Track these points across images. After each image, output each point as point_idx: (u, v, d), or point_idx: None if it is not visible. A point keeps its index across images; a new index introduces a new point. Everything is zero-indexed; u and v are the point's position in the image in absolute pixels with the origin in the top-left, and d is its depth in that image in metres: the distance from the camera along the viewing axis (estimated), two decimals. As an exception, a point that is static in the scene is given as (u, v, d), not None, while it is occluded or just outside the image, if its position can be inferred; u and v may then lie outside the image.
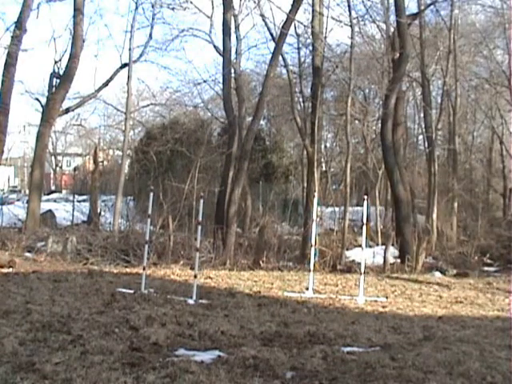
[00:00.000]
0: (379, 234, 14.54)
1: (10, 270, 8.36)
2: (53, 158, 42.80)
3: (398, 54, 12.30)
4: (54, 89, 14.82)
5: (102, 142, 32.31)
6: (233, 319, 5.21)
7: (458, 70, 16.71)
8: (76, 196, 20.23)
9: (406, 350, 4.24)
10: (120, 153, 23.38)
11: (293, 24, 13.25)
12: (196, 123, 21.39)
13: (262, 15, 14.72)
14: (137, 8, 15.61)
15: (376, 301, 6.80)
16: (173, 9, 16.34)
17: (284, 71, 17.36)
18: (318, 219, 12.90)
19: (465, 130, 21.10)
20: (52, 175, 44.46)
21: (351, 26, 13.00)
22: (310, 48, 14.81)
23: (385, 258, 11.08)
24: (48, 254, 10.42)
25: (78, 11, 14.53)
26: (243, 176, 12.47)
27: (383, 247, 11.80)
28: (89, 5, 26.91)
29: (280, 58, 13.70)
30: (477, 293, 7.79)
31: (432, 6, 15.31)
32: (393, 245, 11.95)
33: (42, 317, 4.89)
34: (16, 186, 43.61)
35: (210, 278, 8.29)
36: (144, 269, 7.07)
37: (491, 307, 6.61)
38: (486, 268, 11.71)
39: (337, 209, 17.32)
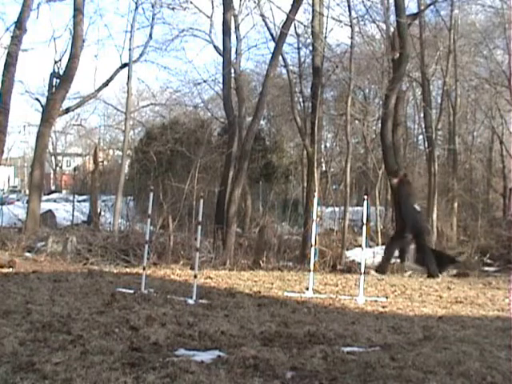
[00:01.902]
0: (379, 233, 14.55)
1: (10, 269, 8.36)
2: (53, 157, 42.81)
3: (398, 54, 12.30)
4: (54, 89, 14.82)
5: (102, 141, 32.37)
6: (233, 319, 5.21)
7: (458, 69, 16.73)
8: (76, 196, 20.23)
9: (406, 350, 4.24)
10: (120, 153, 23.41)
11: (293, 24, 13.26)
12: (196, 123, 21.40)
13: (262, 15, 14.75)
14: (137, 8, 15.64)
15: (376, 301, 6.79)
16: (173, 9, 16.36)
17: (284, 71, 17.38)
18: (318, 219, 12.91)
19: (465, 130, 21.11)
20: (52, 175, 44.46)
21: (351, 26, 13.01)
22: (310, 48, 14.82)
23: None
24: (48, 254, 10.43)
25: (78, 11, 14.53)
26: (243, 176, 12.47)
27: (383, 247, 11.80)
28: (89, 5, 26.96)
29: (280, 57, 13.71)
30: (477, 293, 7.78)
31: (432, 6, 15.33)
32: (393, 245, 11.94)
33: (42, 317, 4.88)
34: (16, 186, 43.63)
35: (210, 277, 8.28)
36: (144, 269, 7.06)
37: (491, 307, 6.60)
38: (486, 268, 11.72)
39: (337, 209, 17.34)
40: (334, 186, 21.55)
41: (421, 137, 21.45)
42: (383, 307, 6.37)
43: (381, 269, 9.78)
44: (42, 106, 15.09)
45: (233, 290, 7.16)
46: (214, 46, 16.05)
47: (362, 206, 7.95)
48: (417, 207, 10.07)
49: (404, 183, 10.25)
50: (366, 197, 8.09)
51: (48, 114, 14.53)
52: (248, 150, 12.38)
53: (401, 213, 10.02)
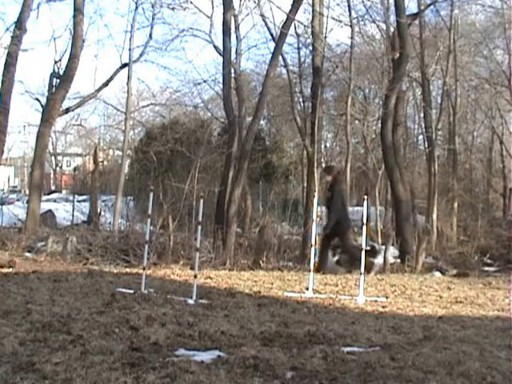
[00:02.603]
0: (379, 233, 14.54)
1: (10, 269, 8.35)
2: (53, 157, 42.83)
3: (397, 54, 12.31)
4: (54, 89, 14.81)
5: (102, 141, 32.44)
6: (233, 319, 5.21)
7: (458, 69, 16.75)
8: (76, 196, 20.23)
9: (406, 350, 4.24)
10: (120, 153, 23.44)
11: (293, 24, 13.26)
12: (196, 123, 21.42)
13: (262, 15, 14.75)
14: (137, 8, 15.63)
15: (376, 301, 6.79)
16: (173, 9, 16.36)
17: (284, 71, 17.40)
18: (318, 219, 12.90)
19: (465, 130, 21.14)
20: (52, 175, 44.49)
21: (351, 26, 13.03)
22: (310, 48, 14.83)
23: (385, 258, 11.07)
24: (48, 254, 10.41)
25: (78, 11, 14.52)
26: (243, 176, 12.46)
27: (383, 247, 11.80)
28: (89, 5, 26.96)
29: (280, 57, 13.70)
30: (477, 293, 7.77)
31: (432, 6, 15.34)
32: (393, 245, 11.95)
33: (42, 317, 4.88)
34: (16, 186, 43.69)
35: (210, 277, 8.28)
36: (144, 269, 7.06)
37: (491, 307, 6.60)
38: (486, 268, 11.70)
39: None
40: (334, 186, 21.50)
41: (421, 137, 21.51)
42: (383, 307, 6.36)
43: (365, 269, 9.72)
44: (42, 106, 15.08)
45: (233, 289, 7.15)
46: (214, 46, 16.06)
47: (362, 205, 7.95)
48: (346, 206, 10.03)
49: (338, 181, 10.15)
50: (366, 197, 8.09)
51: (48, 114, 14.52)
52: (248, 150, 12.37)
53: (332, 210, 9.87)
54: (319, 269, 9.37)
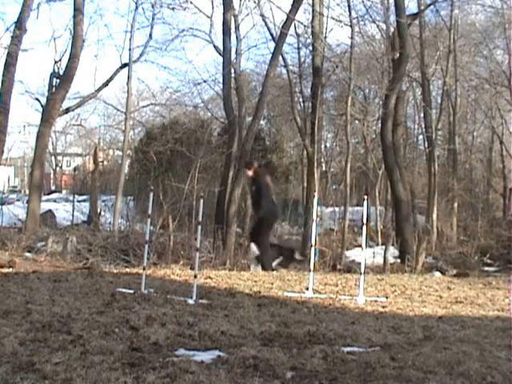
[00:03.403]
0: (379, 233, 14.56)
1: (10, 269, 8.35)
2: (53, 157, 42.83)
3: (398, 54, 12.31)
4: (54, 89, 14.83)
5: (102, 141, 32.41)
6: (233, 319, 5.20)
7: (458, 69, 16.75)
8: (76, 196, 20.24)
9: (406, 350, 4.24)
10: (120, 153, 23.44)
11: (293, 24, 13.27)
12: (196, 123, 21.43)
13: (262, 15, 14.76)
14: (137, 8, 15.66)
15: (376, 301, 6.79)
16: (173, 9, 16.38)
17: (284, 71, 17.41)
18: (318, 219, 12.92)
19: (465, 130, 21.13)
20: (52, 175, 44.48)
21: (351, 26, 13.03)
22: (310, 48, 14.85)
23: (385, 258, 11.08)
24: (48, 254, 10.42)
25: (78, 11, 14.54)
26: (243, 176, 12.47)
27: (383, 247, 11.81)
28: (89, 5, 26.91)
29: (280, 57, 13.71)
30: (477, 293, 7.77)
31: (432, 6, 15.35)
32: (393, 245, 11.96)
33: (42, 317, 4.88)
34: (16, 186, 43.68)
35: (210, 277, 8.27)
36: (144, 269, 7.06)
37: (491, 307, 6.60)
38: (486, 268, 11.71)
39: (337, 209, 17.35)
40: (334, 186, 21.57)
41: (421, 137, 21.49)
42: (383, 307, 6.36)
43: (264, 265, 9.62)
44: (42, 106, 15.09)
45: (233, 290, 7.15)
46: (214, 46, 16.05)
47: (362, 205, 7.95)
48: (274, 199, 9.96)
49: (260, 175, 10.00)
50: (365, 197, 8.08)
51: (48, 114, 14.53)
52: (248, 150, 12.38)
53: (258, 204, 9.75)
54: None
